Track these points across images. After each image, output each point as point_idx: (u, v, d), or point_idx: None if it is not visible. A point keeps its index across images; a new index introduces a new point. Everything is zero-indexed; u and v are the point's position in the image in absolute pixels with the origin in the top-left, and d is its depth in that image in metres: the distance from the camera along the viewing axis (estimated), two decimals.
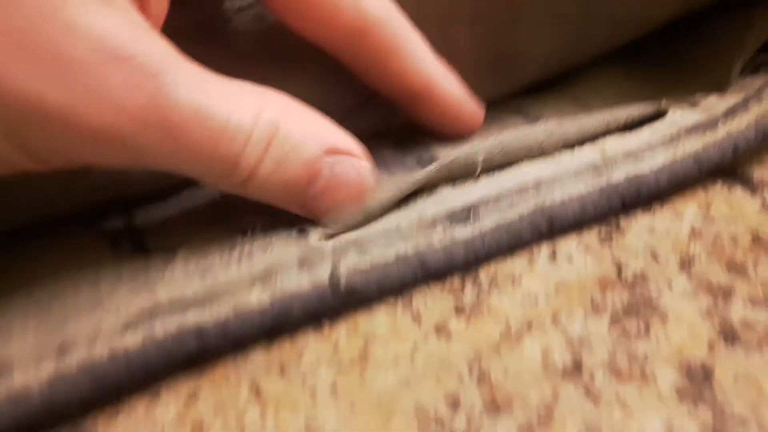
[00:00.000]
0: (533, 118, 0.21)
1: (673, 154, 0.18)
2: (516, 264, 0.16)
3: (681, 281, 0.16)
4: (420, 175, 0.17)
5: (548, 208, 0.17)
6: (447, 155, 0.18)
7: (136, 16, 0.14)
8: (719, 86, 0.21)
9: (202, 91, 0.14)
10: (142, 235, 0.17)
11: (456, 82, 0.19)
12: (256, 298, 0.14)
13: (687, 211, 0.18)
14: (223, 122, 0.14)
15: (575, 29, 0.21)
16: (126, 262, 0.16)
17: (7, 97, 0.12)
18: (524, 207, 0.17)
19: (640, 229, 0.17)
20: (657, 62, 0.24)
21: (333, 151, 0.15)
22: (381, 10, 0.17)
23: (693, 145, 0.18)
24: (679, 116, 0.19)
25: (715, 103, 0.20)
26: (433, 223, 0.16)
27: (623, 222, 0.18)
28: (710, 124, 0.19)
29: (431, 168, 0.17)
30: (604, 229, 0.17)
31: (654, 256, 0.16)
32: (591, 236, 0.17)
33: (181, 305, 0.14)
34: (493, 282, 0.16)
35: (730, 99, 0.20)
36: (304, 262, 0.15)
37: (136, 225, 0.18)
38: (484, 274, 0.16)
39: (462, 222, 0.16)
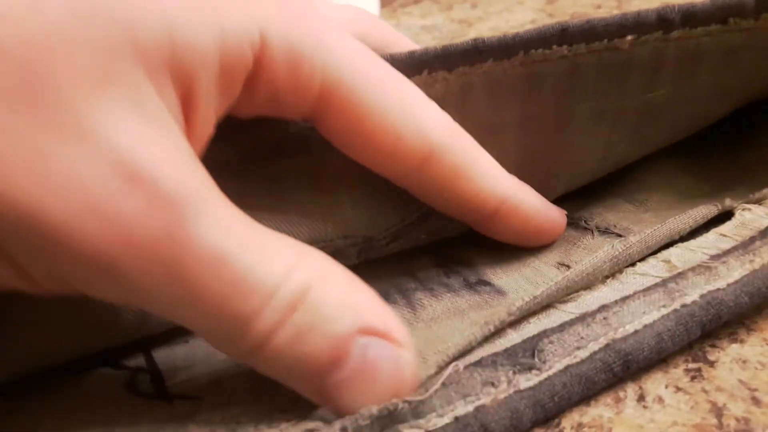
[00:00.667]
0: (595, 229, 0.19)
1: (751, 265, 0.16)
2: (601, 408, 0.14)
3: None
4: (488, 327, 0.15)
5: (620, 343, 0.14)
6: (511, 289, 0.16)
7: (176, 135, 0.12)
8: None
9: (229, 233, 0.11)
10: (162, 377, 0.15)
11: (532, 192, 0.17)
12: None
13: None
14: (243, 273, 0.11)
15: (631, 131, 0.19)
16: (145, 412, 0.14)
17: None
18: (594, 344, 0.14)
19: (731, 362, 0.15)
20: (714, 156, 0.22)
21: (369, 332, 0.12)
22: (446, 132, 0.15)
23: None
24: (748, 217, 0.18)
25: None
26: (494, 371, 0.14)
27: (710, 352, 0.16)
28: None
29: (502, 317, 0.15)
30: (691, 361, 0.15)
31: (755, 399, 0.14)
32: (678, 372, 0.15)
33: None
34: None
35: None
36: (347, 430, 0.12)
37: (156, 364, 0.15)
38: (568, 423, 0.14)
39: (526, 370, 0.14)
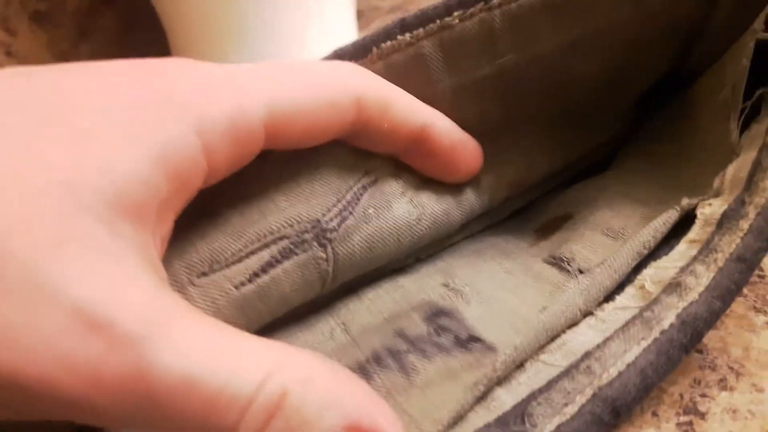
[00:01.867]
0: (577, 273, 0.19)
1: (716, 264, 0.16)
2: None
3: None
4: (478, 388, 0.15)
5: (606, 390, 0.14)
6: (501, 344, 0.16)
7: (134, 272, 0.12)
8: (730, 155, 0.19)
9: (196, 354, 0.12)
10: None
11: (448, 119, 0.19)
12: None
13: (765, 382, 0.16)
14: (218, 390, 0.12)
15: (498, 97, 0.20)
16: None
17: None
18: (581, 397, 0.14)
19: (722, 413, 0.16)
20: (676, 162, 0.23)
21: (355, 429, 0.13)
22: (363, 81, 0.17)
23: (730, 243, 0.16)
24: (708, 212, 0.17)
25: (734, 176, 0.18)
26: None
27: (700, 402, 0.16)
28: (737, 207, 0.16)
29: (489, 376, 0.15)
30: (683, 414, 0.16)
31: None
32: (670, 426, 0.15)
33: None
34: None
35: (746, 161, 0.18)
36: None
37: None
38: None
39: None
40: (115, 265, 0.12)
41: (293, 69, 0.16)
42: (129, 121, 0.13)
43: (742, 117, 0.19)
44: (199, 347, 0.12)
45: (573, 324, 0.17)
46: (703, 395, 0.16)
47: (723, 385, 0.16)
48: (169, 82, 0.14)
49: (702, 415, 0.16)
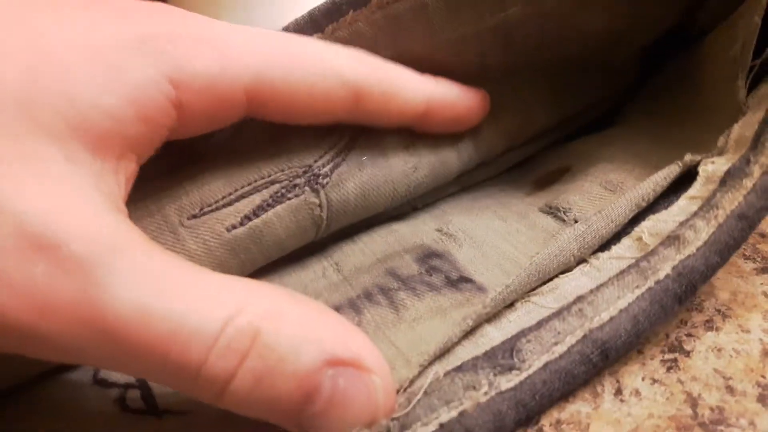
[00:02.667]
0: (573, 222, 0.19)
1: (716, 220, 0.16)
2: (579, 404, 0.15)
3: (765, 420, 0.14)
4: (466, 322, 0.15)
5: (597, 332, 0.15)
6: (491, 286, 0.16)
7: (87, 196, 0.12)
8: (736, 114, 0.19)
9: (150, 285, 0.11)
10: (152, 392, 0.15)
11: (448, 83, 0.19)
12: None
13: (751, 323, 0.16)
14: (176, 325, 0.11)
15: (500, 44, 0.20)
16: (133, 428, 0.14)
17: None
18: (571, 338, 0.15)
19: (706, 351, 0.16)
20: (681, 118, 0.22)
21: (336, 362, 0.12)
22: (363, 70, 0.17)
23: (732, 200, 0.16)
24: (711, 170, 0.17)
25: (739, 135, 0.18)
26: (474, 375, 0.14)
27: (686, 341, 0.16)
28: (742, 166, 0.16)
29: (479, 311, 0.15)
30: (667, 352, 0.16)
31: (729, 388, 0.15)
32: (655, 363, 0.16)
33: None
34: (558, 430, 0.14)
35: (753, 121, 0.18)
36: None
37: (145, 380, 0.16)
38: (547, 420, 0.14)
39: (507, 371, 0.14)
40: (67, 186, 0.11)
41: (289, 45, 0.16)
42: (101, 57, 0.13)
43: (750, 76, 0.19)
44: (155, 279, 0.12)
45: (566, 270, 0.17)
46: (689, 335, 0.16)
47: (709, 325, 0.16)
48: (152, 27, 0.14)
49: (687, 353, 0.16)
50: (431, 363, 0.15)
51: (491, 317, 0.16)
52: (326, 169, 0.18)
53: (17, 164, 0.11)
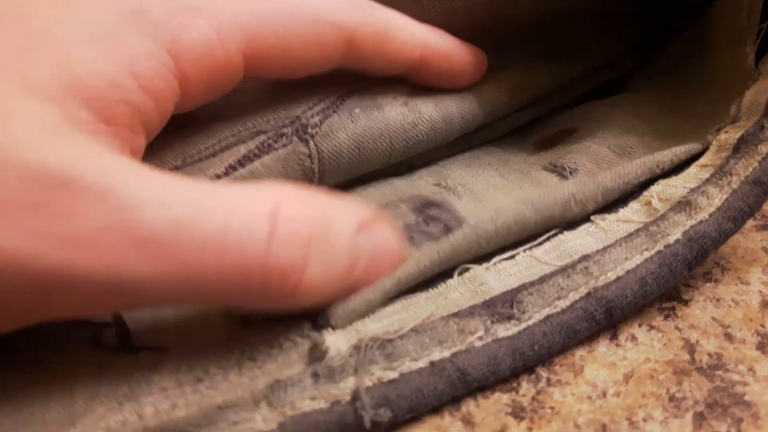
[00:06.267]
0: (569, 174, 0.19)
1: (729, 186, 0.15)
2: (573, 347, 0.14)
3: (765, 366, 0.14)
4: (444, 246, 0.15)
5: (602, 291, 0.14)
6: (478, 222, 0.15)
7: (83, 137, 0.12)
8: (746, 80, 0.18)
9: (175, 198, 0.11)
10: (128, 329, 0.15)
11: (445, 34, 0.19)
12: (262, 423, 0.12)
13: (751, 276, 0.16)
14: (217, 226, 0.11)
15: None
16: (108, 365, 0.13)
17: None
18: (574, 294, 0.14)
19: (705, 300, 0.15)
20: (695, 93, 0.22)
21: (363, 227, 0.13)
22: (355, 14, 0.16)
23: (747, 166, 0.16)
24: (724, 138, 0.17)
25: (752, 102, 0.17)
26: (471, 320, 0.14)
27: (684, 291, 0.16)
28: (756, 132, 0.16)
29: (456, 237, 0.15)
30: (665, 300, 0.15)
31: (727, 336, 0.14)
32: (652, 310, 0.15)
33: None
34: (552, 374, 0.14)
35: (764, 87, 0.17)
36: (319, 376, 0.12)
37: (123, 318, 0.15)
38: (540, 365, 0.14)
39: (505, 320, 0.14)
40: (66, 135, 0.11)
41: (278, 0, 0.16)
42: (97, 33, 0.13)
43: (758, 41, 0.18)
44: (176, 192, 0.11)
45: (570, 222, 0.17)
46: (687, 285, 0.16)
47: (708, 277, 0.16)
48: (143, 2, 0.13)
49: (685, 302, 0.15)
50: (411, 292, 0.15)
51: (489, 267, 0.16)
52: (315, 119, 0.17)
53: (12, 119, 0.11)
